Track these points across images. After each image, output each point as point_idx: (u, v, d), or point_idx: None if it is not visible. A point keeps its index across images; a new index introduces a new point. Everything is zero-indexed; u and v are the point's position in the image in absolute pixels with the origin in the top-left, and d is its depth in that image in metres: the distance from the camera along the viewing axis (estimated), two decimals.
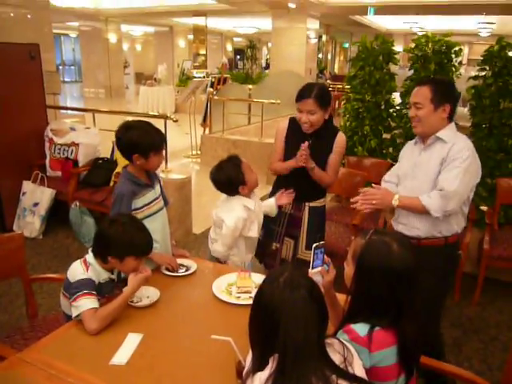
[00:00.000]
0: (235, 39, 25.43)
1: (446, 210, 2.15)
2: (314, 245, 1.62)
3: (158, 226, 2.36)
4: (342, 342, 1.25)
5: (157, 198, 2.38)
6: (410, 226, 2.29)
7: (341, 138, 2.64)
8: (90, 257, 1.93)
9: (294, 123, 2.68)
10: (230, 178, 2.40)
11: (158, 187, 2.41)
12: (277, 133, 2.75)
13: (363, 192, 2.27)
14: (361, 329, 1.37)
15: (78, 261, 1.93)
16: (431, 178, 2.22)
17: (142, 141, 2.19)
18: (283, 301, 1.15)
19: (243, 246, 2.51)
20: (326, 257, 1.67)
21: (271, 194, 2.80)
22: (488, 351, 2.93)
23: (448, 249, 2.29)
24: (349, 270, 1.52)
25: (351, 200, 2.29)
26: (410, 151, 2.43)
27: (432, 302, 2.30)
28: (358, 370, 1.22)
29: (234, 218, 2.38)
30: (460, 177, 2.12)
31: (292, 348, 1.12)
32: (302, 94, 2.51)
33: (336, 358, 1.18)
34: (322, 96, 2.49)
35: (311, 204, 2.75)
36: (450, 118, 2.26)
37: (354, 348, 1.30)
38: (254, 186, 2.47)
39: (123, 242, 1.88)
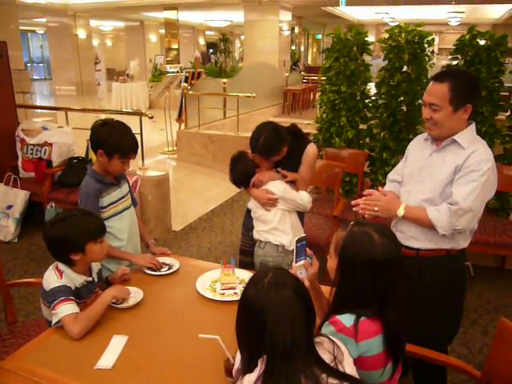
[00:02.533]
0: (207, 33, 25.19)
1: (456, 229, 1.90)
2: (296, 238, 1.63)
3: (124, 225, 2.36)
4: (333, 341, 1.25)
5: (123, 197, 2.37)
6: (409, 236, 2.04)
7: (310, 149, 2.58)
8: (61, 264, 1.89)
9: None
10: (243, 171, 2.45)
11: (124, 186, 2.40)
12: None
13: (367, 194, 2.05)
14: (347, 319, 1.38)
15: (51, 268, 1.88)
16: (440, 185, 1.95)
17: (110, 140, 2.18)
18: (269, 301, 1.14)
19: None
20: (308, 250, 1.67)
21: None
22: (469, 335, 3.00)
23: (452, 259, 2.03)
24: (332, 262, 1.53)
25: (352, 203, 2.09)
26: (419, 149, 2.13)
27: (440, 319, 2.04)
28: (349, 367, 1.22)
29: (277, 184, 2.41)
30: (476, 192, 1.85)
31: (280, 348, 1.11)
32: (252, 148, 2.43)
33: (326, 357, 1.18)
34: (265, 150, 2.39)
35: None
36: (469, 118, 1.96)
37: (340, 339, 1.30)
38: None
39: (76, 232, 1.84)
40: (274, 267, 1.26)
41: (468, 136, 1.94)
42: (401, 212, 1.97)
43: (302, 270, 1.63)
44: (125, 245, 2.35)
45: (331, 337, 1.27)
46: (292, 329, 1.12)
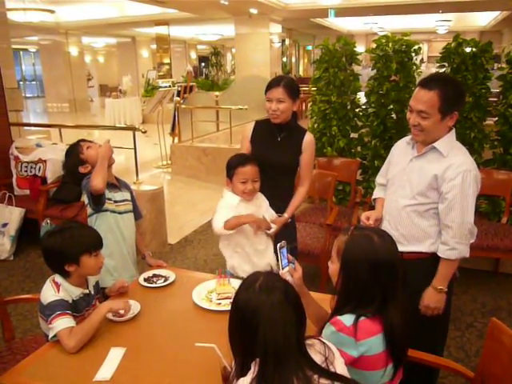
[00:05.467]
0: (199, 47, 25.37)
1: (471, 241, 1.97)
2: (278, 245, 1.67)
3: (125, 225, 2.45)
4: (323, 342, 1.27)
5: (124, 201, 2.47)
6: (395, 239, 2.06)
7: (310, 137, 2.58)
8: (58, 276, 1.91)
9: (259, 125, 2.68)
10: (229, 162, 2.36)
11: (126, 194, 2.51)
12: (243, 136, 2.72)
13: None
14: (347, 319, 1.42)
15: (49, 281, 1.90)
16: (418, 189, 2.00)
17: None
18: (260, 305, 1.17)
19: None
20: (289, 255, 1.71)
21: None
22: (465, 338, 3.02)
23: (436, 261, 2.01)
24: (334, 266, 1.56)
25: None
26: (402, 152, 2.16)
27: (426, 318, 2.05)
28: (340, 368, 1.24)
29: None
30: (468, 208, 1.91)
31: (272, 351, 1.14)
32: (271, 84, 2.53)
33: (317, 358, 1.21)
34: (290, 85, 2.49)
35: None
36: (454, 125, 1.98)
37: (340, 338, 1.36)
38: (238, 190, 2.31)
39: (71, 243, 1.87)
40: (266, 272, 1.28)
41: (447, 143, 1.96)
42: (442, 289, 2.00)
43: (288, 276, 1.66)
44: (123, 243, 2.45)
45: (321, 338, 1.30)
46: (283, 331, 1.15)
